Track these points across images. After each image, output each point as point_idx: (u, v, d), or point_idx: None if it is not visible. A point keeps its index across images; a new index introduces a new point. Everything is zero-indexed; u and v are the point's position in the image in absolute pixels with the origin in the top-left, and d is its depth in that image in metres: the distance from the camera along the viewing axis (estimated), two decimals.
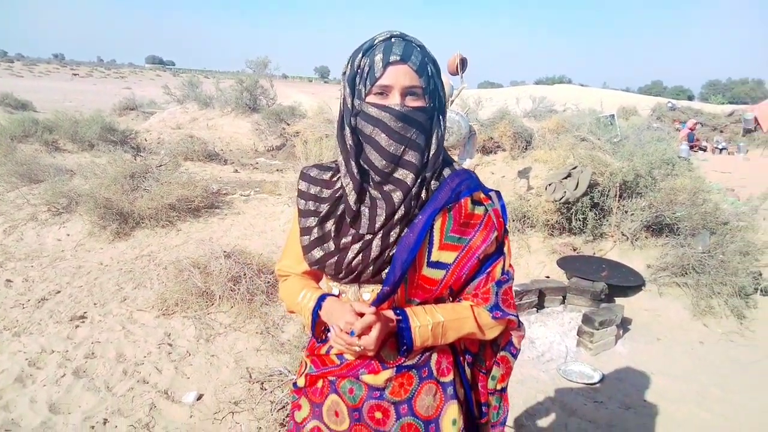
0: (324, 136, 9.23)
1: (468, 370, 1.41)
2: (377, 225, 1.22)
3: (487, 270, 1.30)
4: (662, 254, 5.19)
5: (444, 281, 1.26)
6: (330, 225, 1.29)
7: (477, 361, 1.44)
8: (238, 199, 7.36)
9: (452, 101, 6.21)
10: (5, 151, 8.03)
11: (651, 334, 4.42)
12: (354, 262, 1.24)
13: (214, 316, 4.07)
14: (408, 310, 1.26)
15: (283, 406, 2.99)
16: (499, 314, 1.30)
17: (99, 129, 10.57)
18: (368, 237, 1.23)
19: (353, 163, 1.22)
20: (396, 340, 1.27)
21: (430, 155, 1.23)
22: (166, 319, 4.04)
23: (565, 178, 5.64)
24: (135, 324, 3.98)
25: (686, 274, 4.84)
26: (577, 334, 4.14)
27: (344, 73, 1.24)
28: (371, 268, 1.23)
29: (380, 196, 1.23)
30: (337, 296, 1.33)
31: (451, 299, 1.35)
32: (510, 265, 1.35)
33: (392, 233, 1.22)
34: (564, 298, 4.71)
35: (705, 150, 16.84)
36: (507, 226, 1.34)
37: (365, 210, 1.24)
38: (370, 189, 1.24)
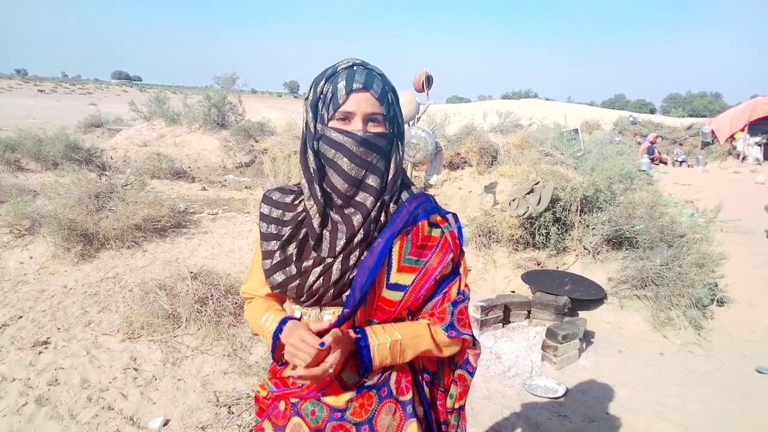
0: (292, 152, 9.24)
1: (427, 389, 1.45)
2: (338, 248, 1.27)
3: (444, 290, 1.35)
4: (622, 267, 5.34)
5: (403, 302, 1.31)
6: (292, 249, 1.33)
7: (435, 380, 1.48)
8: (206, 218, 7.30)
9: (419, 118, 6.31)
10: None
11: (613, 346, 4.53)
12: (315, 286, 1.28)
13: (181, 339, 4.04)
14: (367, 329, 1.29)
15: (251, 430, 2.99)
16: (454, 333, 1.34)
17: (63, 147, 10.38)
18: (329, 260, 1.27)
19: (317, 187, 1.27)
20: (356, 361, 1.30)
21: (389, 179, 1.28)
22: (132, 343, 4.00)
23: (528, 193, 5.77)
24: (100, 349, 3.93)
25: (646, 286, 4.99)
26: (542, 349, 4.23)
27: (307, 98, 1.29)
28: (332, 291, 1.28)
29: (341, 219, 1.27)
30: (299, 319, 1.36)
31: (409, 318, 1.38)
32: (466, 285, 1.40)
33: (352, 256, 1.26)
34: (529, 312, 4.80)
35: (666, 163, 17.29)
36: (463, 248, 1.39)
37: (326, 233, 1.29)
38: (331, 213, 1.29)
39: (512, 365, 4.12)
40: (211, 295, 4.32)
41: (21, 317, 4.37)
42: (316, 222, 1.28)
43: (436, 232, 1.32)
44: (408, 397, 1.38)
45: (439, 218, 1.33)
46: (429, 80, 6.27)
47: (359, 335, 1.28)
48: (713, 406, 3.72)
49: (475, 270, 5.85)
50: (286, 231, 1.34)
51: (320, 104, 1.26)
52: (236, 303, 4.34)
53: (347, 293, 1.27)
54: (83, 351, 3.87)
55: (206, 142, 13.90)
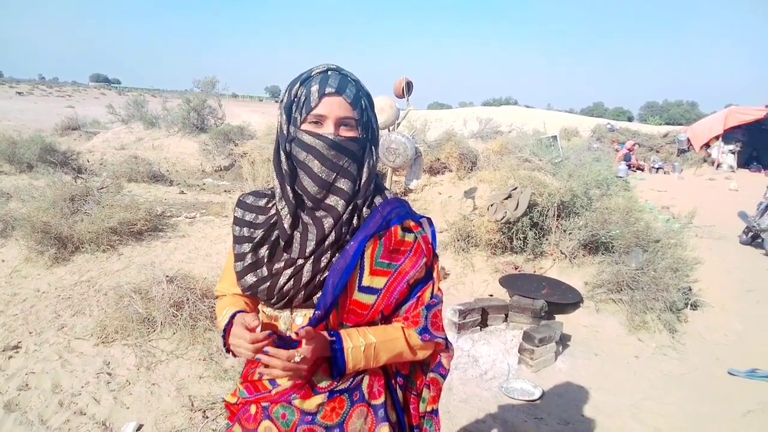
0: (271, 156, 9.19)
1: (400, 393, 1.45)
2: (308, 250, 1.27)
3: (417, 294, 1.36)
4: (598, 271, 5.39)
5: (375, 306, 1.31)
6: (263, 251, 1.33)
7: (408, 384, 1.48)
8: (183, 222, 7.24)
9: (399, 123, 6.33)
10: None
11: (589, 349, 4.58)
12: (285, 287, 1.28)
13: (156, 343, 3.99)
14: (342, 331, 1.29)
15: None
16: (428, 336, 1.35)
17: (38, 150, 10.25)
18: (300, 262, 1.27)
19: (288, 188, 1.28)
20: (329, 364, 1.30)
21: (362, 183, 1.29)
22: (106, 347, 3.93)
23: (506, 198, 5.81)
24: (72, 353, 3.86)
25: (621, 290, 5.05)
26: (519, 352, 4.25)
27: (281, 101, 1.31)
28: (303, 293, 1.28)
29: (311, 221, 1.28)
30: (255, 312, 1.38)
31: (383, 323, 1.38)
32: (439, 289, 1.41)
33: (323, 258, 1.27)
34: (506, 316, 4.83)
35: (643, 169, 17.55)
36: (436, 252, 1.40)
37: (297, 235, 1.29)
38: (302, 215, 1.29)
39: (489, 368, 4.14)
40: (187, 299, 4.27)
41: None
42: (286, 223, 1.28)
43: (409, 237, 1.33)
44: (380, 401, 1.38)
45: (412, 223, 1.33)
46: (409, 86, 6.30)
47: (333, 338, 1.27)
48: (687, 408, 3.77)
49: (454, 274, 5.87)
50: (258, 233, 1.34)
51: (293, 107, 1.27)
52: (212, 307, 4.30)
53: (318, 295, 1.27)
54: (55, 355, 3.80)
55: (185, 145, 13.81)
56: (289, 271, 1.28)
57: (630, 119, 58.97)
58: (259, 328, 1.22)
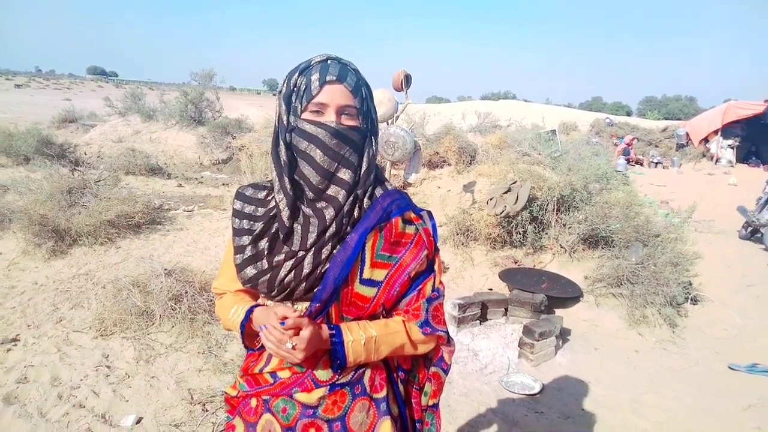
0: (270, 149, 9.17)
1: (401, 387, 1.44)
2: (309, 242, 1.25)
3: (418, 287, 1.34)
4: (598, 266, 5.39)
5: (376, 298, 1.29)
6: (263, 243, 1.31)
7: (410, 378, 1.47)
8: (182, 215, 7.22)
9: (397, 117, 6.30)
10: None
11: (589, 343, 4.57)
12: (286, 280, 1.26)
13: (155, 336, 3.97)
14: (342, 325, 1.28)
15: (225, 427, 2.95)
16: (429, 330, 1.34)
17: (35, 142, 10.20)
18: (300, 254, 1.26)
19: (287, 179, 1.25)
20: (330, 358, 1.29)
21: (362, 173, 1.27)
22: (104, 340, 3.92)
23: (506, 192, 5.79)
24: (71, 346, 3.84)
25: (621, 284, 5.04)
26: (519, 346, 4.24)
27: (280, 92, 1.29)
28: (303, 285, 1.26)
29: (312, 213, 1.26)
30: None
31: (384, 316, 1.37)
32: (440, 283, 1.39)
33: (324, 250, 1.25)
34: (506, 310, 4.82)
35: (641, 164, 17.54)
36: (437, 245, 1.38)
37: (298, 227, 1.27)
38: (303, 206, 1.27)
39: (489, 362, 4.13)
40: (186, 292, 4.25)
41: None
42: (285, 215, 1.26)
43: (410, 229, 1.31)
44: (382, 394, 1.37)
45: (413, 215, 1.32)
46: (408, 79, 6.27)
47: (333, 331, 1.26)
48: (687, 403, 3.77)
49: (453, 268, 5.86)
50: (258, 226, 1.32)
51: (293, 97, 1.25)
52: (211, 300, 4.28)
53: (319, 287, 1.26)
54: (54, 348, 3.78)
55: (183, 138, 13.76)
56: (289, 264, 1.26)
57: (629, 114, 58.95)
58: (290, 321, 1.20)
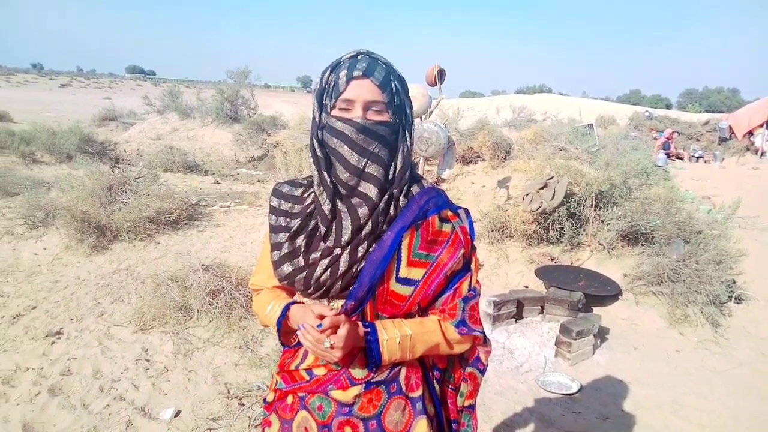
0: (304, 146, 9.23)
1: (437, 387, 1.42)
2: (344, 239, 1.25)
3: (454, 286, 1.33)
4: (638, 263, 5.26)
5: (412, 297, 1.28)
6: (300, 240, 1.31)
7: (446, 377, 1.45)
8: (218, 211, 7.32)
9: (431, 112, 6.26)
10: None
11: (628, 343, 4.47)
12: (323, 278, 1.26)
13: (193, 331, 4.04)
14: (377, 323, 1.27)
15: (260, 423, 2.98)
16: (465, 330, 1.32)
17: (77, 140, 10.49)
18: (337, 252, 1.25)
19: (326, 174, 1.25)
20: (365, 356, 1.28)
21: (396, 171, 1.26)
22: (144, 334, 4.00)
23: (542, 188, 5.70)
24: (112, 339, 3.93)
25: (662, 282, 4.92)
26: (555, 345, 4.17)
27: (314, 90, 1.29)
28: (339, 283, 1.26)
29: (347, 210, 1.25)
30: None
31: (419, 315, 1.35)
32: (477, 282, 1.37)
33: (360, 248, 1.24)
34: (542, 308, 4.75)
35: (682, 158, 17.09)
36: (474, 243, 1.36)
37: (333, 224, 1.27)
38: (338, 203, 1.27)
39: (525, 361, 4.08)
40: (223, 288, 4.31)
41: (35, 308, 4.39)
42: (326, 208, 1.26)
43: (446, 227, 1.30)
44: (418, 393, 1.35)
45: (450, 213, 1.30)
46: (441, 74, 6.22)
47: (368, 329, 1.26)
48: (731, 405, 3.65)
49: (488, 265, 5.80)
50: (295, 223, 1.32)
51: (324, 94, 1.25)
52: (247, 295, 4.33)
53: (354, 286, 1.25)
54: (95, 342, 3.88)
55: (219, 135, 13.97)
56: (325, 261, 1.26)
57: (668, 107, 57.49)
58: (327, 321, 1.20)
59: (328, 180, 1.25)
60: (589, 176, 6.03)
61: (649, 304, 4.93)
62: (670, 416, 3.46)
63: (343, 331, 1.19)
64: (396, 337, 1.26)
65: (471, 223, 1.35)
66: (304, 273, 1.28)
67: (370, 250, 1.25)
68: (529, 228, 5.84)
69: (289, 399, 1.38)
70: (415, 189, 1.31)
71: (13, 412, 3.03)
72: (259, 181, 10.33)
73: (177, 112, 15.71)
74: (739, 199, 6.76)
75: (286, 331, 1.38)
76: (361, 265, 1.24)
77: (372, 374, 1.30)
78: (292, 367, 1.39)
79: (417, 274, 1.27)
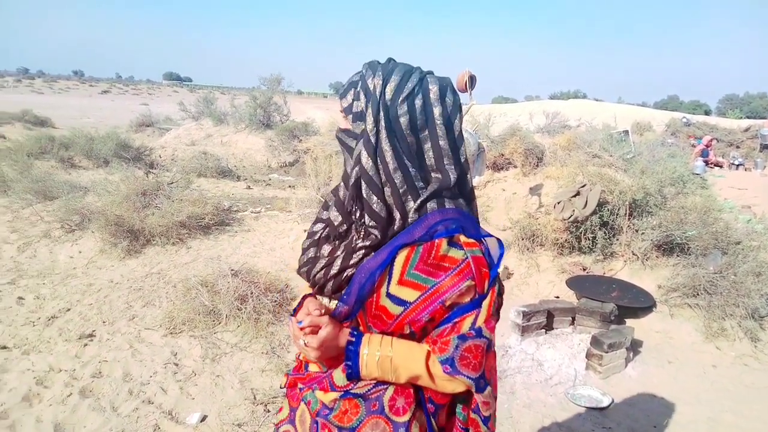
0: (334, 152, 9.27)
1: (434, 421, 1.30)
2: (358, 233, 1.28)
3: (455, 320, 1.21)
4: (673, 274, 5.12)
5: (401, 317, 1.21)
6: (324, 232, 1.35)
7: (457, 417, 1.33)
8: (249, 216, 7.40)
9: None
10: (21, 169, 8.17)
11: (662, 356, 4.35)
12: (318, 275, 1.29)
13: (221, 335, 4.08)
14: (365, 335, 1.24)
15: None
16: (449, 369, 1.19)
17: (114, 146, 10.73)
18: (337, 253, 1.27)
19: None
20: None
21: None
22: (173, 338, 4.05)
23: (574, 196, 5.61)
24: (142, 343, 3.99)
25: (698, 294, 4.77)
26: (586, 357, 4.08)
27: None
28: (331, 283, 1.27)
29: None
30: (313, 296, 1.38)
31: (417, 340, 1.27)
32: (487, 322, 1.22)
33: (354, 255, 1.23)
34: (573, 319, 4.65)
35: (721, 166, 16.65)
36: (494, 278, 1.24)
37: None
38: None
39: (555, 373, 4.00)
40: (251, 293, 4.34)
41: (69, 310, 4.48)
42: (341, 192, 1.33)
43: (456, 254, 1.18)
44: (403, 419, 1.25)
45: (464, 239, 1.19)
46: (472, 80, 6.17)
47: (353, 339, 1.24)
48: None
49: (518, 274, 5.72)
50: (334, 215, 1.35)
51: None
52: (275, 301, 4.36)
53: (345, 290, 1.26)
54: (126, 345, 3.94)
55: (252, 141, 14.14)
56: (325, 260, 1.29)
57: (707, 113, 56.17)
58: (307, 320, 1.24)
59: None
60: (622, 184, 5.91)
61: (684, 317, 4.79)
62: None
63: (322, 333, 1.21)
64: (376, 354, 1.21)
65: (501, 255, 1.26)
66: (308, 266, 1.32)
67: (365, 259, 1.23)
68: (560, 237, 5.74)
69: (297, 388, 1.40)
70: (431, 206, 1.22)
71: (46, 413, 3.09)
72: (290, 186, 10.42)
73: (211, 118, 15.97)
74: None
75: None
76: (352, 272, 1.24)
77: (352, 384, 1.26)
78: (300, 356, 1.42)
79: (409, 295, 1.19)
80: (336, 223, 1.29)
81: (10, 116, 18.15)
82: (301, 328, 1.23)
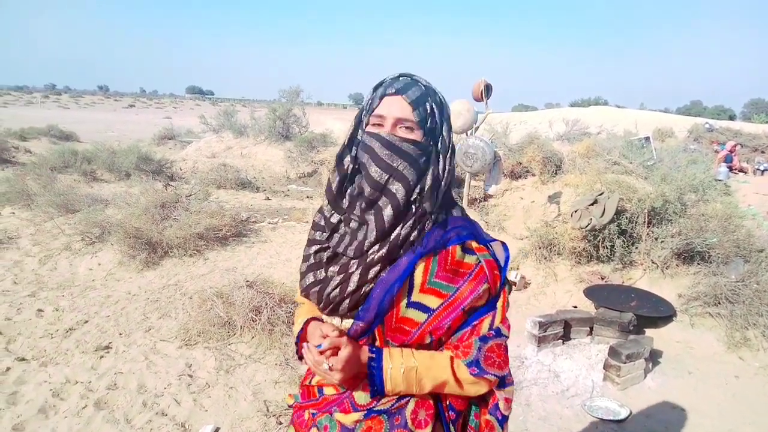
0: None
1: (453, 429, 1.32)
2: (352, 247, 1.24)
3: (473, 323, 1.26)
4: (694, 283, 5.02)
5: (424, 325, 1.23)
6: (327, 254, 1.31)
7: (465, 421, 1.36)
8: (266, 227, 7.44)
9: (477, 127, 6.20)
10: (45, 182, 8.32)
11: (682, 367, 4.25)
12: (332, 294, 1.25)
13: (235, 347, 4.09)
14: (384, 350, 1.23)
15: None
16: (476, 371, 1.23)
17: (135, 159, 10.90)
18: (351, 270, 1.23)
19: (338, 180, 1.29)
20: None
21: (425, 191, 1.24)
22: (188, 349, 4.07)
23: (592, 204, 5.54)
24: (158, 354, 4.02)
25: (719, 303, 4.67)
26: (604, 368, 4.01)
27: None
28: (347, 301, 1.24)
29: (360, 222, 1.26)
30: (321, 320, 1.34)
31: (434, 349, 1.29)
32: (503, 321, 1.29)
33: (372, 270, 1.21)
34: (591, 329, 4.58)
35: (746, 172, 16.34)
36: (505, 279, 1.30)
37: (346, 237, 1.27)
38: (354, 216, 1.27)
39: (571, 384, 3.93)
40: (266, 304, 4.35)
41: (87, 322, 4.54)
42: (333, 220, 1.30)
43: (470, 259, 1.24)
44: (425, 431, 1.27)
45: (475, 245, 1.25)
46: (488, 89, 6.16)
47: (374, 355, 1.22)
48: None
49: (535, 283, 5.66)
50: (324, 236, 1.33)
51: (363, 112, 1.28)
52: (289, 312, 4.36)
53: (362, 306, 1.23)
54: (142, 356, 3.97)
55: (271, 153, 14.25)
56: (339, 278, 1.25)
57: (732, 118, 55.16)
58: (327, 342, 1.19)
59: (334, 186, 1.29)
60: (641, 192, 5.82)
61: (705, 327, 4.68)
62: None
63: (343, 353, 1.18)
64: (401, 367, 1.21)
65: (507, 258, 1.31)
66: (318, 287, 1.28)
67: (382, 273, 1.21)
68: (578, 245, 5.67)
69: (306, 414, 1.38)
70: (442, 216, 1.27)
71: (61, 425, 3.12)
72: (308, 197, 10.47)
73: (231, 131, 16.14)
74: None
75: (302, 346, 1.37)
76: (370, 287, 1.22)
77: (375, 402, 1.25)
78: (308, 383, 1.39)
79: (432, 302, 1.22)
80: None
81: (37, 131, 18.57)
82: (321, 352, 1.19)
